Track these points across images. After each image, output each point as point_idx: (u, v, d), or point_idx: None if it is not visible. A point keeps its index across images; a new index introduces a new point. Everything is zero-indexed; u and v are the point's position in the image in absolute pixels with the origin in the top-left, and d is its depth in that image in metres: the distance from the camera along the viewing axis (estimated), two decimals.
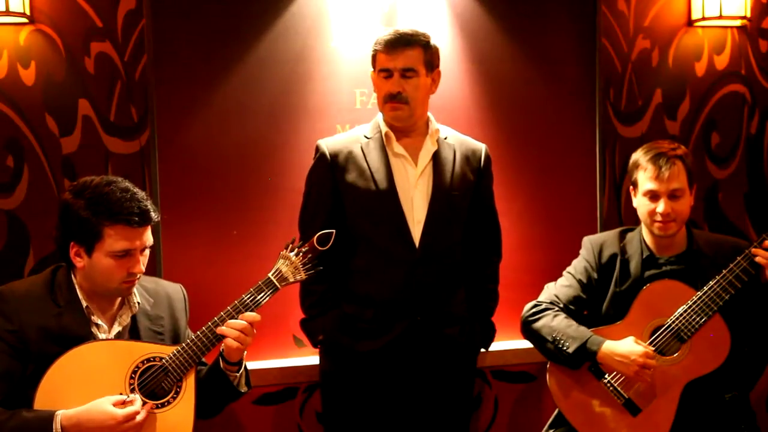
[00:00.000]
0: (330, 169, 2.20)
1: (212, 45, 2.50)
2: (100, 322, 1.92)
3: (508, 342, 2.73)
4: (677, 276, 2.23)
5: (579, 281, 2.34)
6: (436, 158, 2.21)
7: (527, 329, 2.34)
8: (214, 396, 2.01)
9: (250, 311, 1.93)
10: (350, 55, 2.60)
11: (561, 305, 2.31)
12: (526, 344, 2.43)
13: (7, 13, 2.28)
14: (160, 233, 2.45)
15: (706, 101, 2.94)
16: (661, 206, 2.18)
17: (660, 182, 2.18)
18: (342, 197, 2.20)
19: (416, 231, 2.17)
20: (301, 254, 1.99)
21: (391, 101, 2.15)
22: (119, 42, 2.44)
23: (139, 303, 1.99)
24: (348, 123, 2.60)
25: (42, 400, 1.79)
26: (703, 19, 2.83)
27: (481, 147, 2.31)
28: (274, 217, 2.57)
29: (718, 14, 2.80)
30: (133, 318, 1.98)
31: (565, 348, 2.21)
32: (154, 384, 1.89)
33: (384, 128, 2.21)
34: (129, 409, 1.78)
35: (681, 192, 2.19)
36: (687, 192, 2.21)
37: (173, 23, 2.47)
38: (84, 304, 1.90)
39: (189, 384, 1.91)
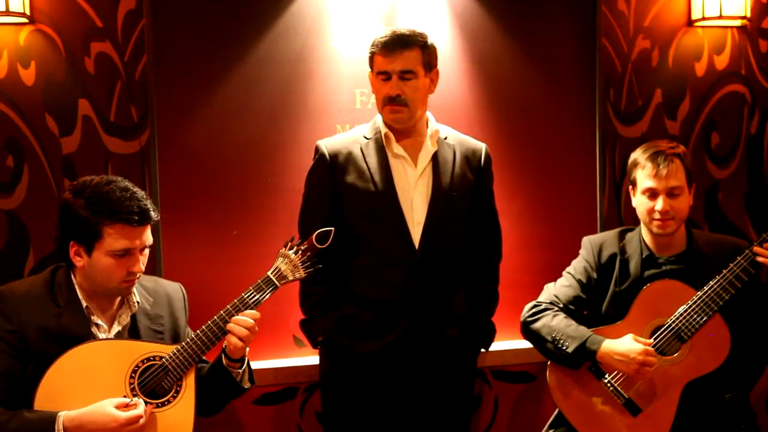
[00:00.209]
0: (329, 170, 2.20)
1: (212, 45, 2.50)
2: (99, 321, 1.92)
3: (508, 342, 2.73)
4: (677, 276, 2.23)
5: (579, 281, 2.34)
6: (436, 159, 2.20)
7: (527, 330, 2.34)
8: (217, 393, 2.01)
9: (250, 310, 1.93)
10: (350, 55, 2.60)
11: (561, 305, 2.31)
12: (526, 344, 2.43)
13: (7, 13, 2.28)
14: (160, 233, 2.45)
15: (706, 101, 2.94)
16: (659, 204, 2.18)
17: (658, 180, 2.18)
18: (341, 198, 2.20)
19: (416, 232, 2.17)
20: (300, 252, 1.99)
21: (390, 104, 2.14)
22: (119, 42, 2.44)
23: (138, 302, 1.99)
24: (348, 123, 2.60)
25: (42, 400, 1.79)
26: (703, 19, 2.82)
27: (481, 146, 2.31)
28: (274, 217, 2.57)
29: (718, 14, 2.79)
30: (133, 317, 1.98)
31: (564, 348, 2.21)
32: (154, 383, 1.89)
33: (383, 129, 2.20)
34: (132, 413, 1.78)
35: (679, 190, 2.19)
36: (686, 190, 2.21)
37: (173, 23, 2.47)
38: (84, 303, 1.90)
39: (189, 383, 1.91)
